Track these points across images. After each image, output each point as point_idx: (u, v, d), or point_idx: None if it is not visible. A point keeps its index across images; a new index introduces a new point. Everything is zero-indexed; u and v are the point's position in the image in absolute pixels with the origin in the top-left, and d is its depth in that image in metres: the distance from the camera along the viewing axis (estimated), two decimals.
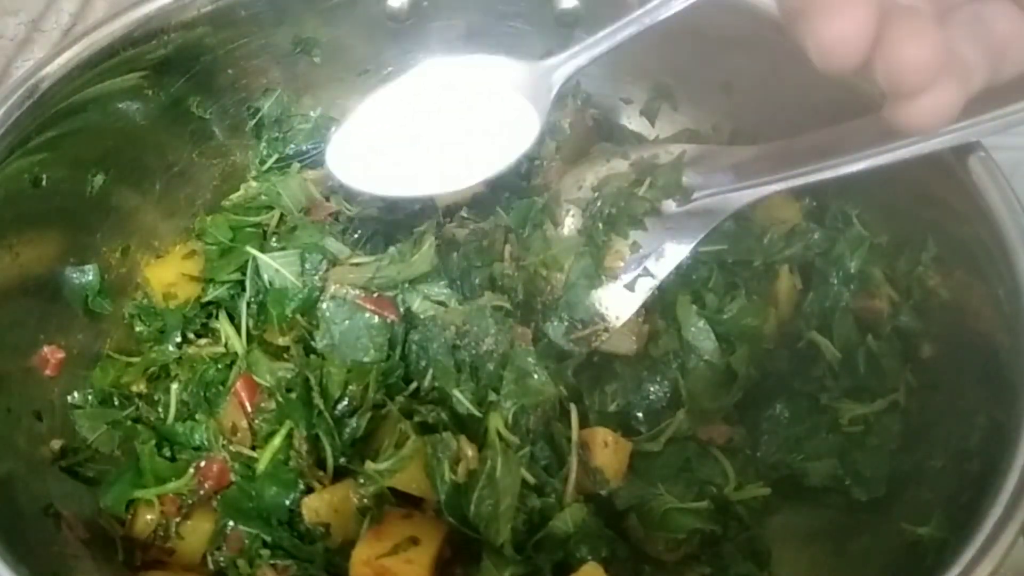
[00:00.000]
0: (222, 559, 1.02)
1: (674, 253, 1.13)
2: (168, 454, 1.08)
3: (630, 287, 1.14)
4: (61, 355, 1.08)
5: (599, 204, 1.17)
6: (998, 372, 0.93)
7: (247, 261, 1.17)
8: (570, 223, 1.20)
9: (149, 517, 1.04)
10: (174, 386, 1.12)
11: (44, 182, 1.06)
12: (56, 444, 1.04)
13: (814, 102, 1.16)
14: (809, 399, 1.13)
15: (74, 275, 1.13)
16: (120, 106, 1.14)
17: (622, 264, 1.15)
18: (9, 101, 1.00)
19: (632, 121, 1.36)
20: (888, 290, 1.13)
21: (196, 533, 1.03)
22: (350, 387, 1.05)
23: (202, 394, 1.12)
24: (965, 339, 1.02)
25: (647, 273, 1.14)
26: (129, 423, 1.11)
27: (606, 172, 1.20)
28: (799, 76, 1.15)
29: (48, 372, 1.07)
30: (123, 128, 1.15)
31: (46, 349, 1.08)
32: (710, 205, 1.12)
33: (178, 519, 1.04)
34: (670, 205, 1.14)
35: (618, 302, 1.15)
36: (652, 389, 1.15)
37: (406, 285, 1.13)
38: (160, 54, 1.14)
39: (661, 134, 1.35)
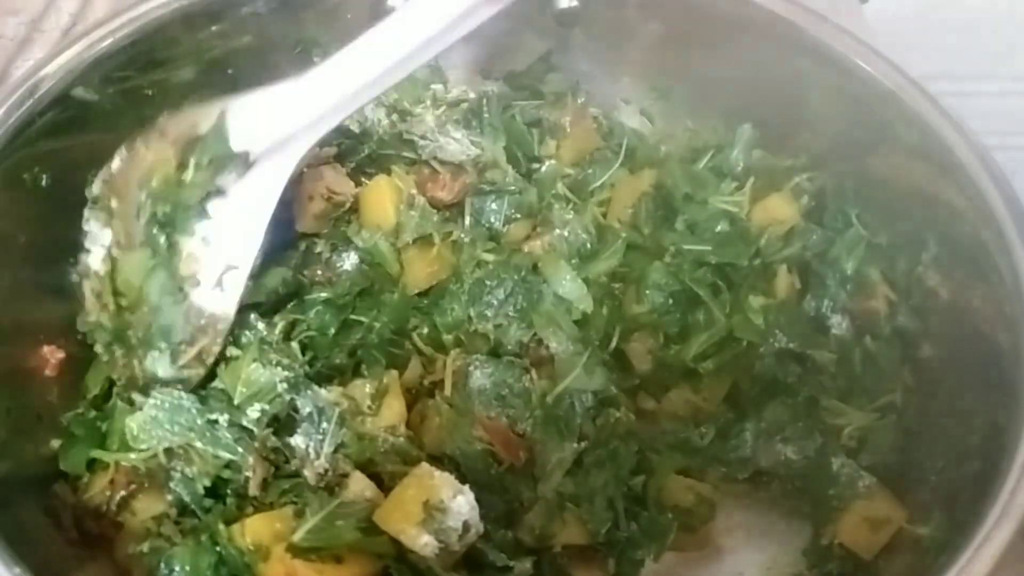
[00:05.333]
0: None
1: (252, 234, 0.99)
2: None
3: (220, 286, 1.00)
4: (61, 355, 1.08)
5: (150, 205, 1.00)
6: (998, 373, 0.93)
7: None
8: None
9: (103, 484, 0.98)
10: None
11: (44, 182, 1.06)
12: (56, 444, 1.04)
13: (813, 100, 1.16)
14: (808, 400, 1.12)
15: (74, 275, 1.13)
16: (120, 106, 1.14)
17: (197, 267, 1.00)
18: (9, 101, 1.00)
19: (632, 121, 1.36)
20: (885, 290, 1.13)
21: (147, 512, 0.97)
22: None
23: None
24: (965, 339, 1.02)
25: (231, 267, 1.00)
26: None
27: (149, 162, 1.01)
28: (798, 75, 1.16)
29: (48, 372, 1.07)
30: (122, 128, 1.15)
31: (46, 349, 1.07)
32: (278, 155, 0.99)
33: (124, 492, 0.98)
34: (230, 179, 0.99)
35: (216, 304, 1.00)
36: None
37: None
38: (160, 54, 1.14)
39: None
